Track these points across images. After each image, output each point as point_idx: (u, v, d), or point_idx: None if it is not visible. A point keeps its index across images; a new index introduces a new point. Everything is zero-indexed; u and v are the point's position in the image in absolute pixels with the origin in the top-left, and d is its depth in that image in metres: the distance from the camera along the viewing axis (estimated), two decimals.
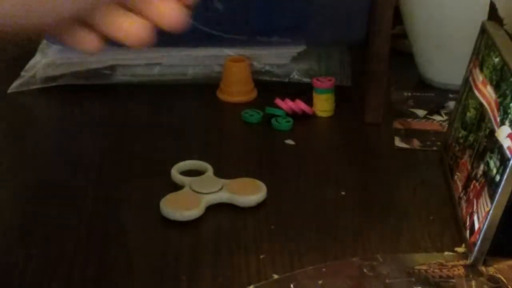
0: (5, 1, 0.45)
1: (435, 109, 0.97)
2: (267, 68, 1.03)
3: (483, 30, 0.83)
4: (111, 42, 1.06)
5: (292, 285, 0.67)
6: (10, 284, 0.67)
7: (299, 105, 0.94)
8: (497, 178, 0.68)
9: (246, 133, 0.92)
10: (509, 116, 0.70)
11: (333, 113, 0.95)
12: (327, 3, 1.05)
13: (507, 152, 0.68)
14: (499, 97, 0.74)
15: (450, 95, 0.99)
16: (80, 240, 0.73)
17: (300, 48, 1.04)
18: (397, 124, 0.93)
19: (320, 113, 0.95)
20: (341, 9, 1.04)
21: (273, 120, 0.93)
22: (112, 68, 1.01)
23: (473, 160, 0.75)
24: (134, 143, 0.89)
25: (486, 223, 0.68)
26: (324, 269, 0.69)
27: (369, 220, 0.76)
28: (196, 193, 0.78)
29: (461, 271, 0.69)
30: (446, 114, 0.96)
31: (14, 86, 1.00)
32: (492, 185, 0.69)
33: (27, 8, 0.45)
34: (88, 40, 0.50)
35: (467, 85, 0.83)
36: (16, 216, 0.77)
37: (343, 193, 0.80)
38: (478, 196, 0.71)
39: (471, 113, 0.80)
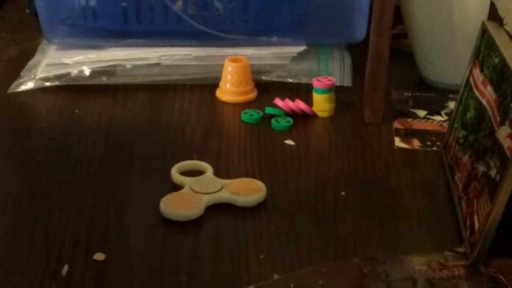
0: None
1: (435, 109, 0.97)
2: (267, 68, 1.03)
3: (483, 30, 0.83)
4: (111, 43, 1.06)
5: (292, 285, 0.67)
6: (11, 284, 0.67)
7: (299, 105, 0.94)
8: (497, 178, 0.68)
9: (246, 133, 0.92)
10: (509, 116, 0.70)
11: (333, 113, 0.95)
12: (327, 3, 1.05)
13: (507, 152, 0.68)
14: (499, 97, 0.74)
15: (450, 95, 0.99)
16: (80, 239, 0.73)
17: (300, 48, 1.04)
18: (397, 124, 0.93)
19: (320, 113, 0.95)
20: (341, 9, 1.04)
21: (273, 120, 0.93)
22: (112, 68, 1.01)
23: (473, 160, 0.75)
24: (134, 143, 0.89)
25: (486, 223, 0.68)
26: (324, 269, 0.69)
27: (369, 220, 0.76)
28: (196, 193, 0.78)
29: (462, 271, 0.69)
30: (446, 114, 0.95)
31: (14, 86, 1.00)
32: (492, 185, 0.69)
33: None
34: None
35: (468, 85, 0.83)
36: (16, 216, 0.76)
37: (343, 193, 0.80)
38: (478, 196, 0.71)
39: (471, 113, 0.80)
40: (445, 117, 0.95)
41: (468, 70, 0.84)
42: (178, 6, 1.02)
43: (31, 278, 0.68)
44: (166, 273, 0.69)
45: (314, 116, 0.95)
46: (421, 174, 0.84)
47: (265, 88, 1.01)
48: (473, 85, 0.81)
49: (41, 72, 1.01)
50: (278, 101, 0.95)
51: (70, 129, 0.93)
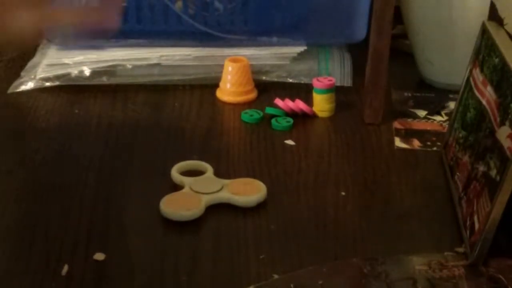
0: None
1: (435, 109, 0.97)
2: (267, 68, 1.03)
3: (483, 30, 0.83)
4: (111, 43, 1.06)
5: (292, 285, 0.67)
6: (11, 284, 0.67)
7: (299, 105, 0.94)
8: (497, 178, 0.68)
9: (246, 133, 0.92)
10: (509, 116, 0.70)
11: (333, 113, 0.95)
12: (327, 3, 1.05)
13: (507, 152, 0.68)
14: (499, 97, 0.73)
15: (450, 95, 0.99)
16: (80, 239, 0.73)
17: (300, 48, 1.04)
18: (397, 124, 0.93)
19: (320, 113, 0.95)
20: (341, 9, 1.04)
21: (273, 120, 0.93)
22: (112, 68, 1.01)
23: (473, 160, 0.75)
24: (134, 143, 0.89)
25: (486, 223, 0.68)
26: (324, 269, 0.69)
27: (369, 220, 0.76)
28: (196, 193, 0.78)
29: (462, 271, 0.69)
30: (446, 114, 0.95)
31: (14, 86, 1.00)
32: (492, 185, 0.69)
33: None
34: None
35: (468, 85, 0.83)
36: (16, 216, 0.76)
37: (343, 193, 0.80)
38: (478, 196, 0.71)
39: (471, 113, 0.80)
40: (445, 117, 0.95)
41: (468, 70, 0.84)
42: (178, 6, 1.02)
43: (31, 278, 0.68)
44: (166, 273, 0.69)
45: (314, 116, 0.95)
46: (421, 174, 0.84)
47: (265, 88, 1.01)
48: (473, 85, 0.81)
49: (41, 72, 1.01)
50: (278, 101, 0.95)
51: (70, 129, 0.93)
